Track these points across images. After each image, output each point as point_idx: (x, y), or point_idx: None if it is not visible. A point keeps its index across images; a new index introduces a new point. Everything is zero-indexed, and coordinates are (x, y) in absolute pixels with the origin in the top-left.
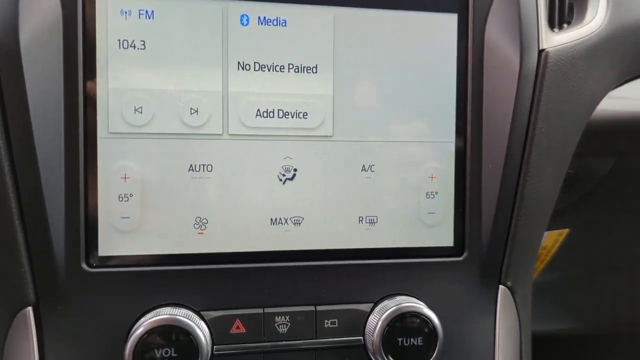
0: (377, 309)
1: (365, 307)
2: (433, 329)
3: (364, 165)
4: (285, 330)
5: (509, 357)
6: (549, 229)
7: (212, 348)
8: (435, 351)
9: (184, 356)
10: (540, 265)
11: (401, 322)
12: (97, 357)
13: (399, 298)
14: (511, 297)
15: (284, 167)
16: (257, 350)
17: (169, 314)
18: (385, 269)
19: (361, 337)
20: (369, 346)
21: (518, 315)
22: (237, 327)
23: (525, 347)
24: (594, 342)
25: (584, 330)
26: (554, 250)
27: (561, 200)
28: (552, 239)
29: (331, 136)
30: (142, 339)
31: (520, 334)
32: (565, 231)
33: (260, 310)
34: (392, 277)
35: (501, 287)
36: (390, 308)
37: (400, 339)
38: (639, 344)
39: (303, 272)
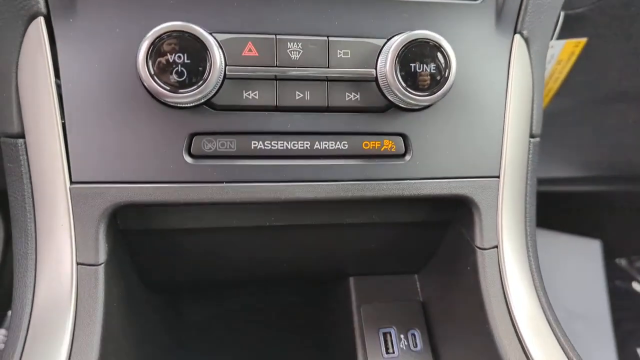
0: (390, 41)
1: (378, 41)
2: (445, 54)
3: None
4: (298, 57)
5: (519, 111)
6: (566, 37)
7: (225, 68)
8: (448, 80)
9: (197, 67)
10: (554, 86)
11: (414, 48)
12: (110, 66)
13: (412, 31)
14: (526, 48)
15: None
16: (269, 75)
17: (183, 23)
18: (400, 7)
19: (373, 70)
20: (381, 79)
21: (532, 70)
22: (250, 50)
23: (536, 106)
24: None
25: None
26: (569, 65)
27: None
28: (567, 52)
29: None
30: (156, 40)
31: (533, 92)
32: (583, 41)
33: (272, 36)
34: (406, 15)
35: (517, 36)
36: (402, 37)
37: (412, 65)
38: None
39: (316, 3)
